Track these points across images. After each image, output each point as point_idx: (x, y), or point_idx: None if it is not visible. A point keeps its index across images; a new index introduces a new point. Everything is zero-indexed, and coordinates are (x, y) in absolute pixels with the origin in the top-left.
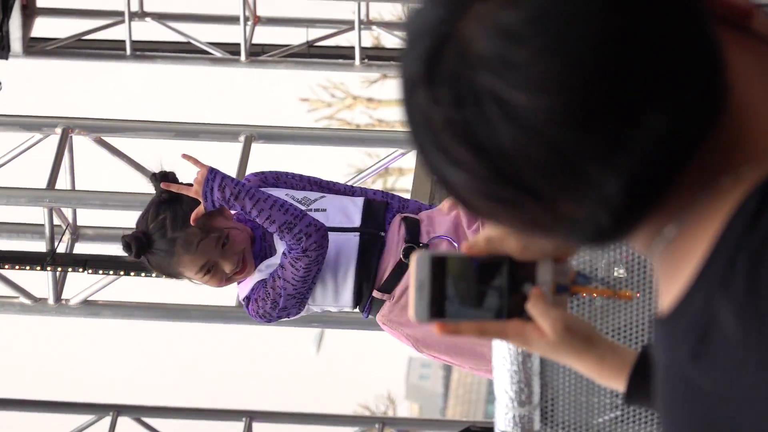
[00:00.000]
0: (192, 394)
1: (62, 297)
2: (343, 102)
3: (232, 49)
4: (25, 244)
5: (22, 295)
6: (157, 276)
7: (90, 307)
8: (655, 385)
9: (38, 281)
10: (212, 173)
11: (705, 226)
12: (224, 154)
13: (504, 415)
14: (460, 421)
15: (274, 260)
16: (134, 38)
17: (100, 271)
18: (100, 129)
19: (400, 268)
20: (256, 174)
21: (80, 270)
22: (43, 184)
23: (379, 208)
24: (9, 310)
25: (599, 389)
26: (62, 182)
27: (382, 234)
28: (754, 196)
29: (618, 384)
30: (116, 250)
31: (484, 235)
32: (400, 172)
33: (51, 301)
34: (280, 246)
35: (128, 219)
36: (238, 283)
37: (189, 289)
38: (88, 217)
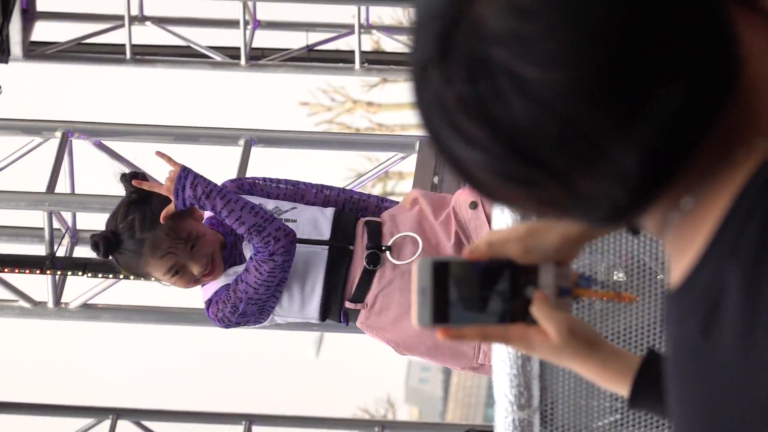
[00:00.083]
0: (191, 398)
1: (62, 300)
2: (343, 106)
3: (232, 53)
4: (25, 248)
5: (21, 298)
6: (125, 277)
7: (89, 310)
8: (665, 365)
9: (38, 285)
10: (185, 171)
11: (718, 197)
12: (224, 158)
13: (503, 419)
14: (459, 425)
15: (242, 268)
16: (134, 42)
17: (100, 275)
18: (99, 133)
19: (368, 276)
20: (233, 180)
21: (80, 273)
22: (43, 188)
23: (349, 221)
24: (8, 314)
25: (599, 392)
26: (62, 186)
27: (351, 248)
28: (767, 165)
29: (621, 388)
30: None
31: (485, 240)
32: (399, 176)
33: (50, 304)
34: (249, 254)
35: None
36: (202, 286)
37: (188, 293)
38: (87, 220)
